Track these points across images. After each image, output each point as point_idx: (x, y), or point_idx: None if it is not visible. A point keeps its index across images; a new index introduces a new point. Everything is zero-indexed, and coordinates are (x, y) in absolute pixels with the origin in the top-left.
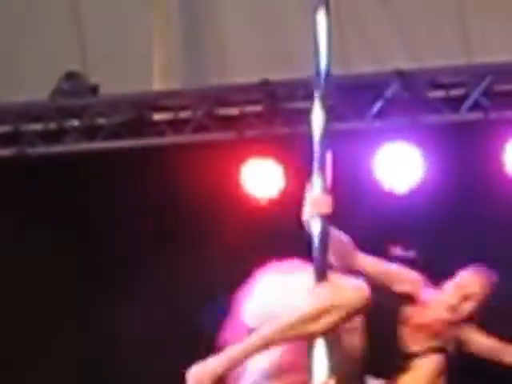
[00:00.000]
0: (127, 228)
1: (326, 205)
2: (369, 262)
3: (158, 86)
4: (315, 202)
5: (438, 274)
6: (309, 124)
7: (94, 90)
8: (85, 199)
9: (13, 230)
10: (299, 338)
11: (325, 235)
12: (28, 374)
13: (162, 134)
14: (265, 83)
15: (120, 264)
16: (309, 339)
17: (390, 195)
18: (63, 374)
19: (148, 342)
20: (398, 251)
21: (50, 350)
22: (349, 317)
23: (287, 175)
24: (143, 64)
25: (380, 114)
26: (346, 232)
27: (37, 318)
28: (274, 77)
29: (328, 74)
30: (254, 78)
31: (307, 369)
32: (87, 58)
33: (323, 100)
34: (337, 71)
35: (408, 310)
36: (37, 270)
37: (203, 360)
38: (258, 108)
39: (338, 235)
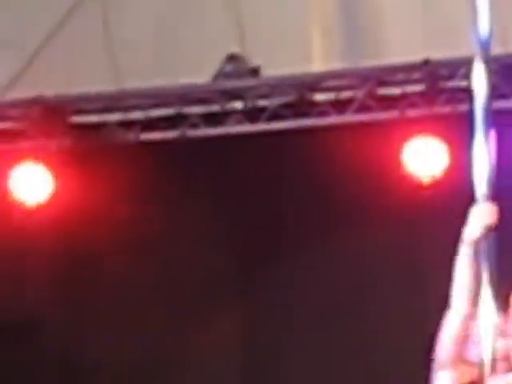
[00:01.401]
0: (288, 210)
1: (490, 214)
2: None
3: (317, 66)
4: (479, 213)
5: None
6: (471, 102)
7: (255, 72)
8: (247, 181)
9: (175, 212)
10: None
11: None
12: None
13: (324, 114)
14: (426, 63)
15: (283, 246)
16: None
17: None
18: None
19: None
20: None
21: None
22: None
23: (451, 154)
24: (302, 45)
25: None
26: None
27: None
28: (434, 53)
29: (489, 51)
30: (412, 55)
31: None
32: (247, 41)
33: (485, 78)
34: (496, 50)
35: None
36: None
37: None
38: (419, 87)
39: None
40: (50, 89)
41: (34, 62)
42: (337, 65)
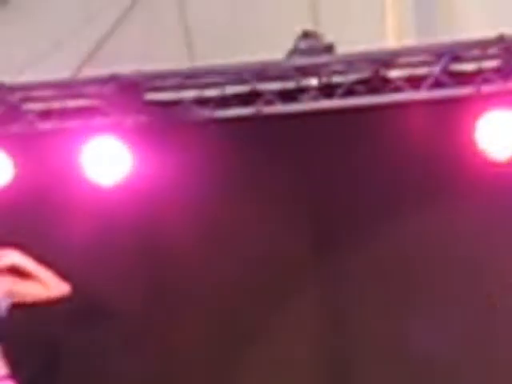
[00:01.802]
0: (359, 188)
1: None
2: None
3: (391, 42)
4: None
5: None
6: None
7: (329, 48)
8: (321, 157)
9: (250, 189)
10: None
11: None
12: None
13: (399, 90)
14: (501, 38)
15: (353, 224)
16: None
17: None
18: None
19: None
20: None
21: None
22: None
23: None
24: (376, 22)
25: None
26: None
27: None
28: (509, 29)
29: None
30: (487, 30)
31: None
32: (321, 17)
33: None
34: None
35: None
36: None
37: None
38: (494, 63)
39: None
40: (125, 66)
41: (109, 40)
42: (411, 41)
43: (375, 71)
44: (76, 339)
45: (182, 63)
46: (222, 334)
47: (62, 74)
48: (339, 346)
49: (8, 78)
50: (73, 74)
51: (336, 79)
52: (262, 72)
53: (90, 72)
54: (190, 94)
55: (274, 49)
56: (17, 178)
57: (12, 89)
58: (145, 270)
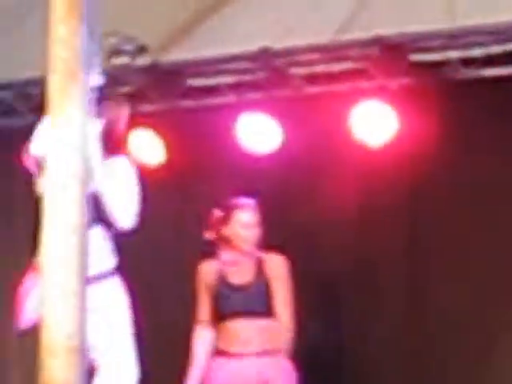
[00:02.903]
0: None
1: None
2: None
3: None
4: None
5: None
6: None
7: None
8: None
9: None
10: None
11: None
12: None
13: None
14: None
15: None
16: None
17: None
18: None
19: None
20: None
21: None
22: None
23: None
24: None
25: None
26: None
27: None
28: None
29: None
30: None
31: None
32: None
33: None
34: None
35: None
36: None
37: None
38: None
39: None
40: (388, 28)
41: (370, 2)
42: None
43: None
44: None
45: (445, 23)
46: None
47: (324, 36)
48: None
49: (271, 43)
50: (335, 37)
51: None
52: None
53: (352, 35)
54: (454, 54)
55: None
56: (284, 142)
57: (277, 53)
58: (405, 230)
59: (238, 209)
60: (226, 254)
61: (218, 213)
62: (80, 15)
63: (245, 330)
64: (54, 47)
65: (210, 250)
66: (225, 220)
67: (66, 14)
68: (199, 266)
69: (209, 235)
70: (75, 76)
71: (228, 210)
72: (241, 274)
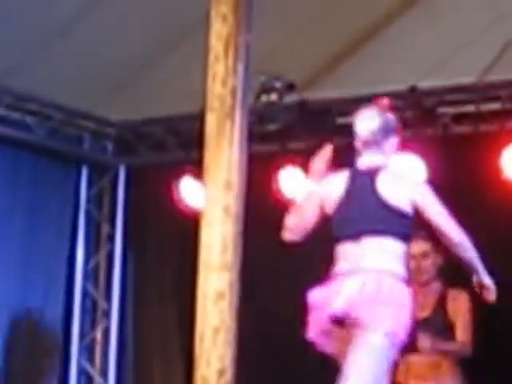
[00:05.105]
0: None
1: None
2: None
3: None
4: None
5: None
6: None
7: None
8: None
9: None
10: None
11: None
12: None
13: None
14: None
15: None
16: None
17: None
18: None
19: None
20: None
21: None
22: None
23: None
24: None
25: None
26: None
27: None
28: None
29: None
30: None
31: None
32: None
33: None
34: None
35: None
36: None
37: None
38: None
39: None
40: None
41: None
42: None
43: None
44: None
45: None
46: None
47: (466, 76)
48: None
49: (414, 82)
50: (479, 77)
51: None
52: None
53: (499, 75)
54: None
55: None
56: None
57: (426, 93)
58: None
59: None
60: None
61: None
62: (237, 54)
63: None
64: (211, 85)
65: None
66: None
67: (224, 52)
68: None
69: None
70: (232, 114)
71: None
72: None
